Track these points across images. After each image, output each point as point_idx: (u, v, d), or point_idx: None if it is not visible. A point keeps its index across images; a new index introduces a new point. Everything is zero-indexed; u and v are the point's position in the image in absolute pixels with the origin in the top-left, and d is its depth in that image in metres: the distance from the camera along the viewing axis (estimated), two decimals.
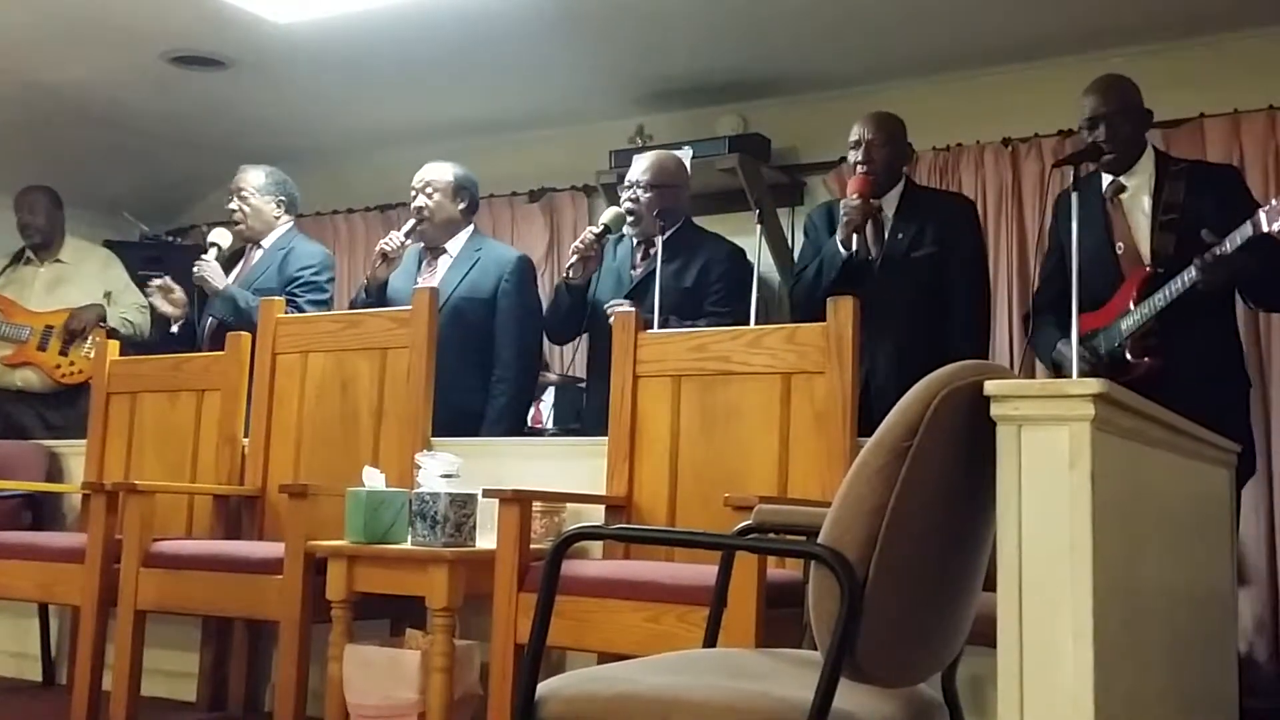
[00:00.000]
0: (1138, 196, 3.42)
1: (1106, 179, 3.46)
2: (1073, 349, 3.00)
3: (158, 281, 4.42)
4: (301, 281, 4.24)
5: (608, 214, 3.84)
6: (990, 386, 1.53)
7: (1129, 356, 3.30)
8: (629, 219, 3.83)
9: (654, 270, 3.75)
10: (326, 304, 4.32)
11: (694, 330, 3.29)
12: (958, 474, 1.55)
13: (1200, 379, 3.22)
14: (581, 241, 3.80)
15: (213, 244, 4.32)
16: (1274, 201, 3.05)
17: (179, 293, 4.38)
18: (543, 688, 1.60)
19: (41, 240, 5.05)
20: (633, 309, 3.55)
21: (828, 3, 4.57)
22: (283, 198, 4.43)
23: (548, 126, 5.85)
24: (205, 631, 3.69)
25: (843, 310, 2.93)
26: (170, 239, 6.36)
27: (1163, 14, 4.54)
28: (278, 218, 4.41)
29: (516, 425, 3.98)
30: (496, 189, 6.14)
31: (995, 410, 1.53)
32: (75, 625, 3.62)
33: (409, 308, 3.52)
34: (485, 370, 3.97)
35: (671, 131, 5.46)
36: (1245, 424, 3.38)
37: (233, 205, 4.38)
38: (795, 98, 5.35)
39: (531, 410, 5.03)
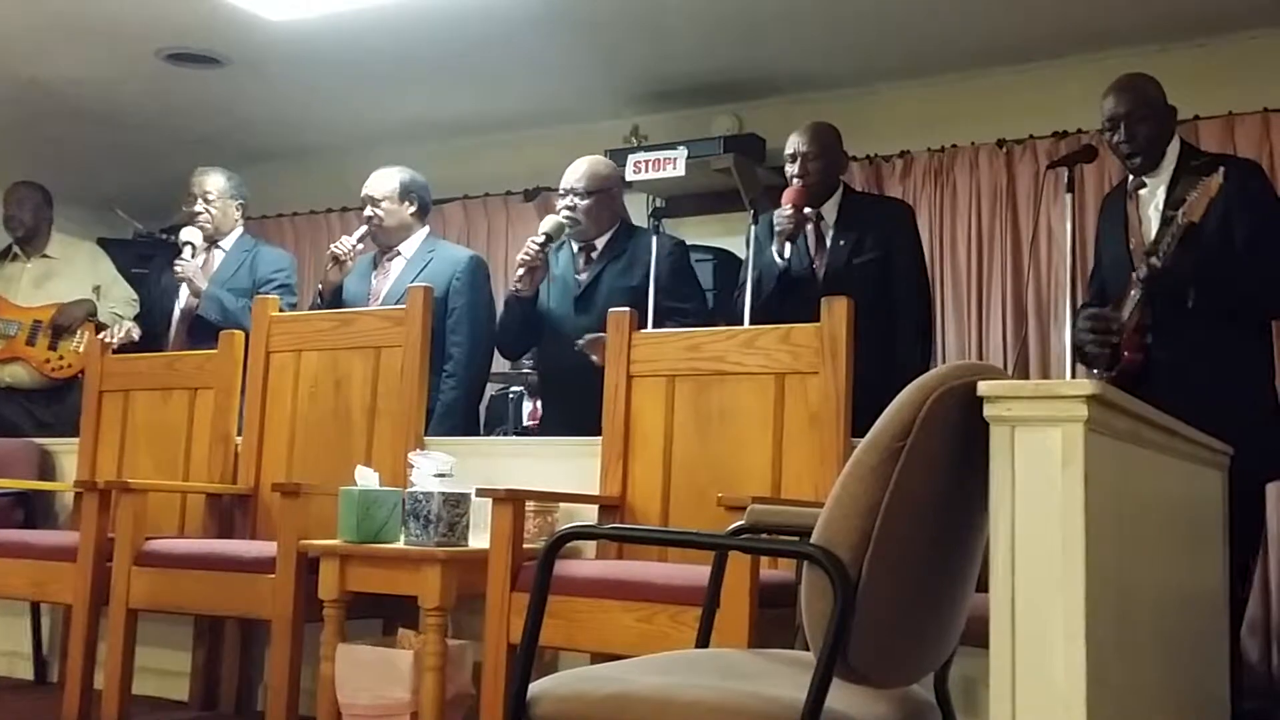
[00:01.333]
0: (1154, 193, 3.38)
1: (1132, 178, 3.45)
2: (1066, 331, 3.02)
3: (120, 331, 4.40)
4: (277, 283, 4.39)
5: (548, 222, 3.87)
6: (984, 387, 1.53)
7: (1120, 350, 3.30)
8: (567, 225, 3.86)
9: (600, 274, 3.87)
10: (295, 306, 4.47)
11: (688, 330, 3.30)
12: (951, 474, 1.55)
13: (1200, 375, 3.15)
14: (526, 253, 3.82)
15: (187, 243, 4.42)
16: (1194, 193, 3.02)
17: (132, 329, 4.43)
18: (535, 687, 1.60)
19: (24, 235, 5.04)
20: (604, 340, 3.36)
21: (823, 4, 4.57)
22: (241, 201, 4.61)
23: (543, 126, 5.85)
24: (197, 630, 3.68)
25: (837, 311, 2.93)
26: (164, 236, 6.32)
27: (1156, 17, 4.55)
28: (237, 220, 4.58)
29: (465, 421, 3.97)
30: (492, 188, 6.14)
31: (989, 411, 1.53)
32: (67, 624, 3.60)
33: (403, 307, 3.52)
34: (440, 369, 3.96)
35: (667, 131, 5.47)
36: (1265, 420, 3.21)
37: (198, 208, 4.50)
38: (790, 98, 5.36)
39: (528, 407, 5.03)
